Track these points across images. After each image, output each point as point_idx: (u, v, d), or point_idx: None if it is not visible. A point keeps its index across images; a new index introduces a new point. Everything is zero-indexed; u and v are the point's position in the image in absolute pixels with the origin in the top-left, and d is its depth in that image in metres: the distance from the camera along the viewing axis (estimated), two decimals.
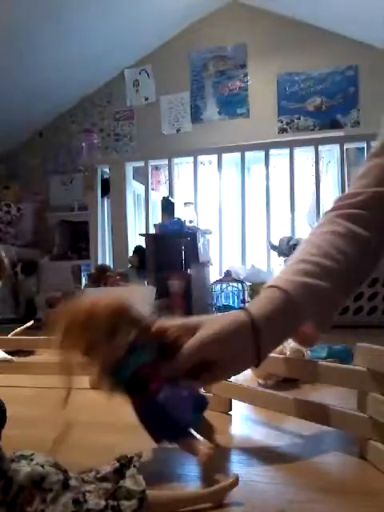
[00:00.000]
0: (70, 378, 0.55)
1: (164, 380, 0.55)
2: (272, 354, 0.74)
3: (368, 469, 0.58)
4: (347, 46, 3.99)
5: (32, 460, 0.40)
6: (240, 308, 0.61)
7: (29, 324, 1.60)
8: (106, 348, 0.53)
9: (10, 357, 1.33)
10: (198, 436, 0.59)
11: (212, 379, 0.64)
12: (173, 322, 0.60)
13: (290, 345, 0.97)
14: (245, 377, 1.02)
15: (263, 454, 0.65)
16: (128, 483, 0.42)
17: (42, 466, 0.40)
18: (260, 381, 1.02)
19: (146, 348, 0.55)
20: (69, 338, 0.53)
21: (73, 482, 0.40)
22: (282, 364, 0.74)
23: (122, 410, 0.88)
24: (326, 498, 0.51)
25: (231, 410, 0.84)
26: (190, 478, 0.57)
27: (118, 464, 0.45)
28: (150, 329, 0.57)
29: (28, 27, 3.42)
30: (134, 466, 0.45)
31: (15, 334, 1.53)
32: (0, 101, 3.91)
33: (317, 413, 0.68)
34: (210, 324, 0.58)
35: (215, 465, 0.56)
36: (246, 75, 4.30)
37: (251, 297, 2.63)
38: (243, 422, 0.82)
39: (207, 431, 0.61)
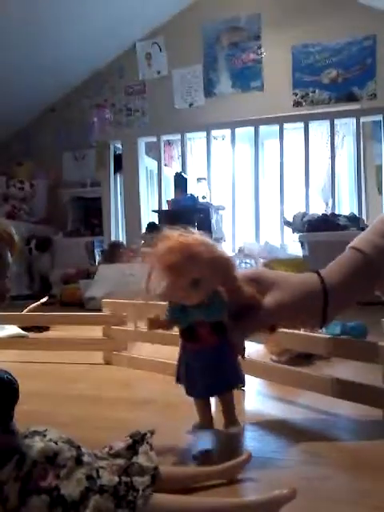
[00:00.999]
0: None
1: (215, 342, 0.55)
2: (286, 330, 0.74)
3: None
4: (365, 15, 3.84)
5: (45, 436, 0.40)
6: (313, 271, 0.61)
7: (43, 300, 1.61)
8: (191, 290, 0.52)
9: (24, 333, 1.35)
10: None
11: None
12: (247, 274, 0.60)
13: None
14: (258, 352, 1.02)
15: (276, 430, 0.65)
16: (141, 459, 0.42)
17: (56, 443, 0.40)
18: (273, 357, 1.01)
19: (219, 306, 0.55)
20: (176, 263, 0.51)
21: (86, 458, 0.40)
22: (297, 339, 0.74)
23: (135, 386, 0.88)
24: (340, 475, 0.51)
25: (245, 385, 0.83)
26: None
27: (131, 440, 0.46)
28: (235, 292, 0.56)
29: (38, 1, 3.35)
30: (147, 443, 0.45)
31: (30, 311, 1.55)
32: (12, 78, 3.87)
33: (337, 388, 0.68)
34: (284, 286, 0.58)
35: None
36: (260, 47, 4.19)
37: None
38: (257, 398, 0.82)
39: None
